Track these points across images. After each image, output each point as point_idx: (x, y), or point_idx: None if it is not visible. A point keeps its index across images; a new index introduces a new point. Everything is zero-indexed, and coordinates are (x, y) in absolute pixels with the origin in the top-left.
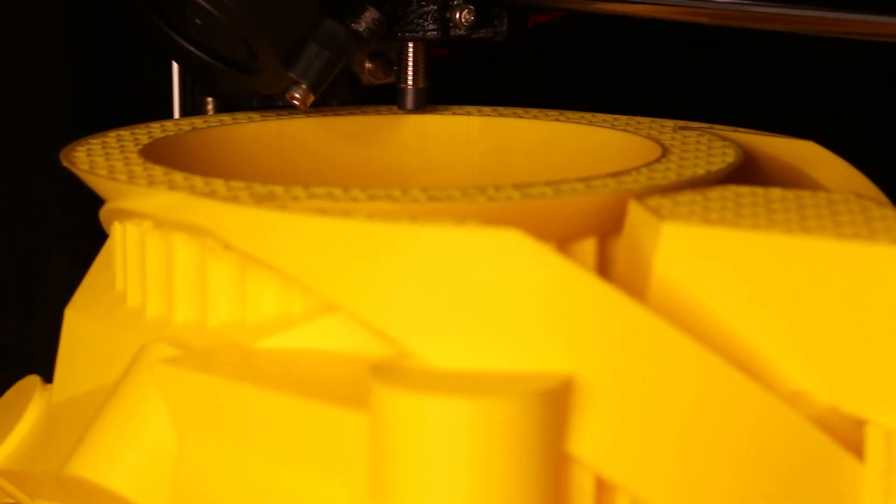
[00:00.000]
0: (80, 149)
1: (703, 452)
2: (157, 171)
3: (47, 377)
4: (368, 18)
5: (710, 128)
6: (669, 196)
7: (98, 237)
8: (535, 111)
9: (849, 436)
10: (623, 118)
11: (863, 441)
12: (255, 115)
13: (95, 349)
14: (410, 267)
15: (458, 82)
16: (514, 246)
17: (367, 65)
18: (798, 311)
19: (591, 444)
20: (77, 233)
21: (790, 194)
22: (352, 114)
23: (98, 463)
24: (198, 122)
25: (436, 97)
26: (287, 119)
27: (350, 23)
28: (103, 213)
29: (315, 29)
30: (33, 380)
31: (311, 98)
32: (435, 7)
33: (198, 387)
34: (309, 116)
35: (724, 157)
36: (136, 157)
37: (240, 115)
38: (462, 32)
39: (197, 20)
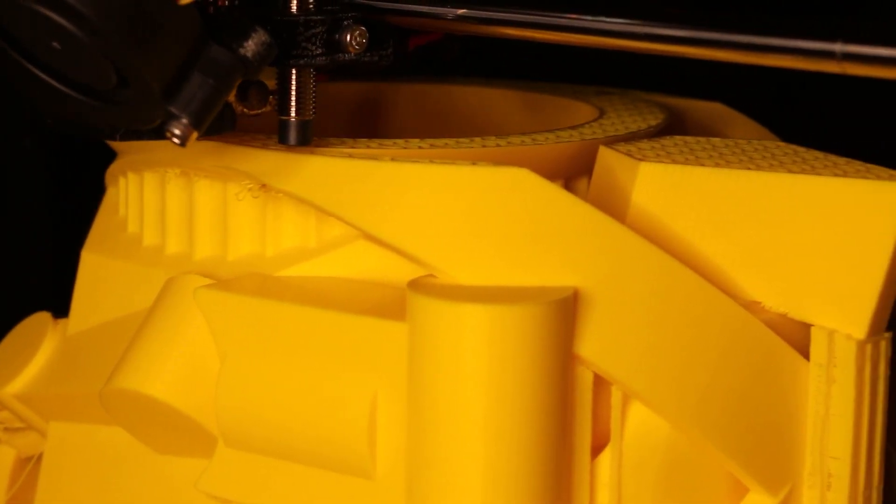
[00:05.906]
0: None
1: (680, 351)
2: None
3: None
4: (257, 41)
5: (624, 92)
6: (632, 143)
7: None
8: (458, 79)
9: (795, 339)
10: (546, 84)
11: (807, 344)
12: None
13: (113, 284)
14: (434, 200)
15: None
16: (523, 181)
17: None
18: (754, 235)
19: (591, 345)
20: None
21: (730, 142)
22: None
23: (145, 375)
24: None
25: None
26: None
27: (237, 48)
28: (114, 167)
29: (198, 55)
30: (44, 316)
31: (194, 134)
32: (323, 29)
33: (241, 307)
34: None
35: (654, 114)
36: None
37: None
38: (351, 57)
39: (55, 43)
